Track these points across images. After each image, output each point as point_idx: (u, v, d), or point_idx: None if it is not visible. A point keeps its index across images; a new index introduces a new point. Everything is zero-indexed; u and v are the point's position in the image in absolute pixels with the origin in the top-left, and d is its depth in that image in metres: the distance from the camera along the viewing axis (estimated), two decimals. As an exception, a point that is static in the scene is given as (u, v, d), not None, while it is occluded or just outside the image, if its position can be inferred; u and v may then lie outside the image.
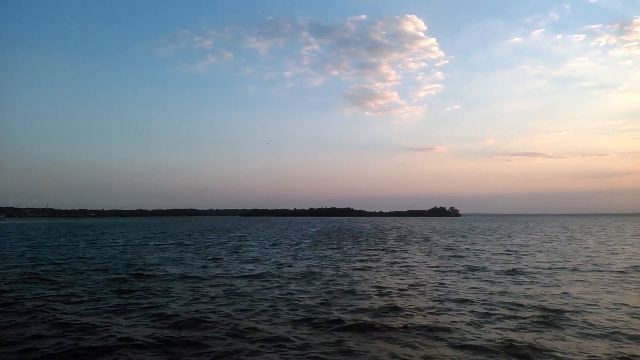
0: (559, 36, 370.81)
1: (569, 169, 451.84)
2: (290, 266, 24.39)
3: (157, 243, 43.25)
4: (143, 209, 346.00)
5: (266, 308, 13.86)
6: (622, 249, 35.97)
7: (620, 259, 27.83)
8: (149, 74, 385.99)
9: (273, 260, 27.66)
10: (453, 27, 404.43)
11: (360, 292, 16.45)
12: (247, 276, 20.49)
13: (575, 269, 22.90)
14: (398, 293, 16.42)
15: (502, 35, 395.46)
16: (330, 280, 19.23)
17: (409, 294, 16.19)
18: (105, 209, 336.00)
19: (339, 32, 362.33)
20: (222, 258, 28.69)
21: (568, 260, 27.37)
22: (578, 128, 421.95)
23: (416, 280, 19.30)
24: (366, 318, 12.56)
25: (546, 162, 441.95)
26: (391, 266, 24.50)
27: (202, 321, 12.21)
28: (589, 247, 37.08)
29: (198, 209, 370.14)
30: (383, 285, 18.11)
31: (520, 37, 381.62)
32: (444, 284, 18.43)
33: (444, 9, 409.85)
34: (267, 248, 37.49)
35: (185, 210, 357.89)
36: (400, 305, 14.07)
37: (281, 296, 15.79)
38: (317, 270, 22.59)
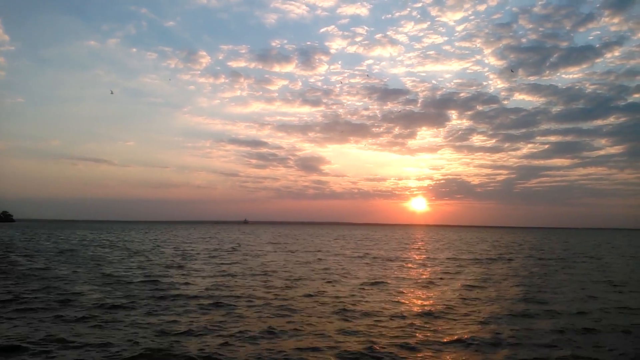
0: (134, 50, 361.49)
1: (134, 177, 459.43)
2: None
3: None
4: None
5: None
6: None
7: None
8: None
9: None
10: (22, 12, 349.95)
11: None
12: None
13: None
14: None
15: (78, 35, 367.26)
16: None
17: None
18: None
19: None
20: None
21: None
22: (145, 140, 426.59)
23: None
24: None
25: (112, 170, 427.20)
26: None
27: None
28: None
29: None
30: None
31: (96, 42, 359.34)
32: None
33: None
34: None
35: None
36: None
37: None
38: None
